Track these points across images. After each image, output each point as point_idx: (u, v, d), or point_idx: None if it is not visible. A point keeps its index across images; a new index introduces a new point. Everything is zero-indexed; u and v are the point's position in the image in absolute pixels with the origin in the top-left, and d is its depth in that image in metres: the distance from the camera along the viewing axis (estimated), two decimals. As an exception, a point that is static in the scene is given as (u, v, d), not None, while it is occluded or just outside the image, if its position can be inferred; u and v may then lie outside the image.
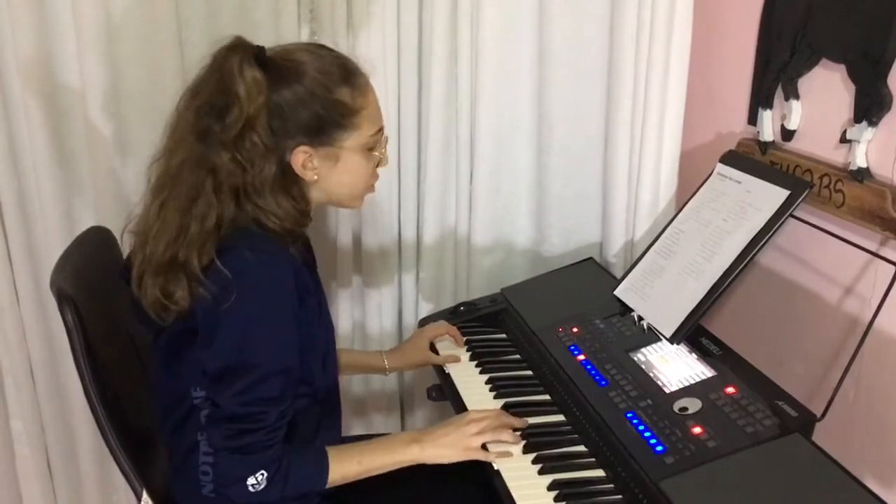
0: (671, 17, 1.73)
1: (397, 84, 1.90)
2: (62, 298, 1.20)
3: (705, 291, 1.50)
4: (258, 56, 1.21)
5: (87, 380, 1.23)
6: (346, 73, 1.27)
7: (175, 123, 1.24)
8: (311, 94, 1.23)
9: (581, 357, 1.55)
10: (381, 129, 1.33)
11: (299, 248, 1.30)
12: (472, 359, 1.68)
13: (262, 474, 1.20)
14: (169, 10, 1.78)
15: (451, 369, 1.65)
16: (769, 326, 1.65)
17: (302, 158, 1.26)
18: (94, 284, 1.29)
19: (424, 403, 2.19)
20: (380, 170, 1.38)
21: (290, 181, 1.26)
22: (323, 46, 1.34)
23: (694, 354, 1.47)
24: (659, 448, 1.26)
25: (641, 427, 1.32)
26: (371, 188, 1.38)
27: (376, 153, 1.33)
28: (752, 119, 1.67)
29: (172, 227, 1.19)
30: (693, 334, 1.50)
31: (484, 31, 1.85)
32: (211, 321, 1.19)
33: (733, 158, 1.67)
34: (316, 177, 1.28)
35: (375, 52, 1.84)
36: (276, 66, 1.22)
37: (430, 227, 2.00)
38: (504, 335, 1.77)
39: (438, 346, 1.74)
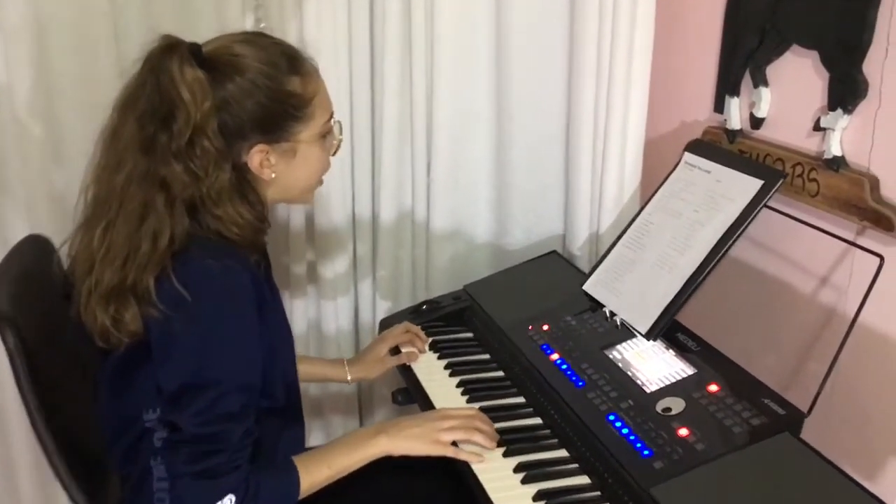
0: (634, 4, 1.68)
1: (349, 73, 1.82)
2: (1, 320, 1.08)
3: (680, 285, 1.46)
4: (195, 54, 1.12)
5: (31, 406, 1.12)
6: (293, 61, 1.20)
7: (113, 136, 1.14)
8: (259, 89, 1.15)
9: (555, 356, 1.50)
10: (332, 114, 1.26)
11: (258, 257, 1.22)
12: (439, 358, 1.61)
13: (230, 499, 1.12)
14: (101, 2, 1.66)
15: (418, 372, 1.58)
16: (740, 318, 1.63)
17: (259, 158, 1.18)
18: (34, 302, 1.18)
19: (385, 405, 2.11)
20: (332, 160, 1.31)
21: (246, 185, 1.18)
22: (262, 35, 1.25)
23: (671, 351, 1.43)
24: (646, 452, 1.21)
25: (625, 430, 1.27)
26: (321, 181, 1.31)
27: (329, 141, 1.27)
28: (719, 107, 1.64)
29: (121, 250, 1.10)
30: (669, 329, 1.46)
31: (439, 19, 1.78)
32: (165, 338, 1.10)
33: (700, 147, 1.63)
34: (274, 174, 1.20)
35: (326, 38, 1.75)
36: (216, 62, 1.13)
37: (386, 220, 1.92)
38: (471, 334, 1.71)
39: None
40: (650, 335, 1.46)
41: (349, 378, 1.64)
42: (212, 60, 1.13)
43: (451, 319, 1.76)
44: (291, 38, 1.72)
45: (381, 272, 1.98)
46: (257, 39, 1.20)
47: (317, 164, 1.26)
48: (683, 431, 1.23)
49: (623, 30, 1.70)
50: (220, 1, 1.73)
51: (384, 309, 2.01)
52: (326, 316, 1.99)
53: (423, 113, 1.85)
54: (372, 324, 2.03)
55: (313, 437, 2.04)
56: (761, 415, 1.22)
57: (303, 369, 1.48)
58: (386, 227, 1.93)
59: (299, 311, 1.97)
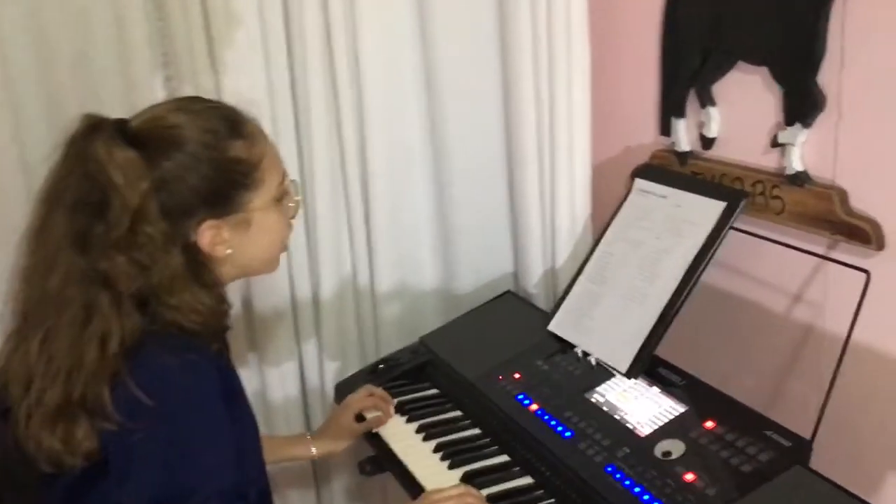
0: (568, 28, 1.64)
1: (272, 127, 1.70)
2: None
3: (655, 318, 1.41)
4: (123, 130, 1.00)
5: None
6: (233, 124, 1.08)
7: (41, 233, 1.00)
8: (200, 161, 1.03)
9: (534, 406, 1.42)
10: (284, 174, 1.15)
11: (219, 343, 1.09)
12: (408, 421, 1.51)
13: None
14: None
15: (390, 440, 1.46)
16: (712, 342, 1.58)
17: (210, 235, 1.06)
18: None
19: (342, 474, 1.98)
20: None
21: (200, 267, 1.06)
22: (195, 99, 1.16)
23: (655, 388, 1.37)
24: (656, 504, 1.14)
25: (628, 482, 1.19)
26: (285, 246, 1.20)
27: (288, 202, 1.16)
28: (665, 129, 1.60)
29: (64, 361, 0.95)
30: (649, 365, 1.40)
31: (363, 62, 1.69)
32: (126, 452, 0.96)
33: (651, 172, 1.60)
34: (229, 250, 1.08)
35: (245, 93, 1.63)
36: (148, 138, 1.02)
37: (326, 279, 1.80)
38: (436, 390, 1.61)
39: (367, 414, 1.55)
40: (631, 373, 1.40)
41: (314, 453, 1.51)
42: (142, 136, 1.01)
43: (413, 376, 1.66)
44: (206, 95, 1.60)
45: (324, 331, 1.86)
46: (190, 105, 1.09)
47: (276, 231, 1.14)
48: (689, 476, 1.16)
49: (559, 55, 1.65)
50: (126, 60, 1.59)
51: (333, 370, 1.88)
52: (272, 384, 1.85)
53: (355, 161, 1.75)
54: (320, 388, 1.90)
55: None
56: (767, 449, 1.16)
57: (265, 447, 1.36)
58: (327, 284, 1.81)
59: (242, 383, 1.82)
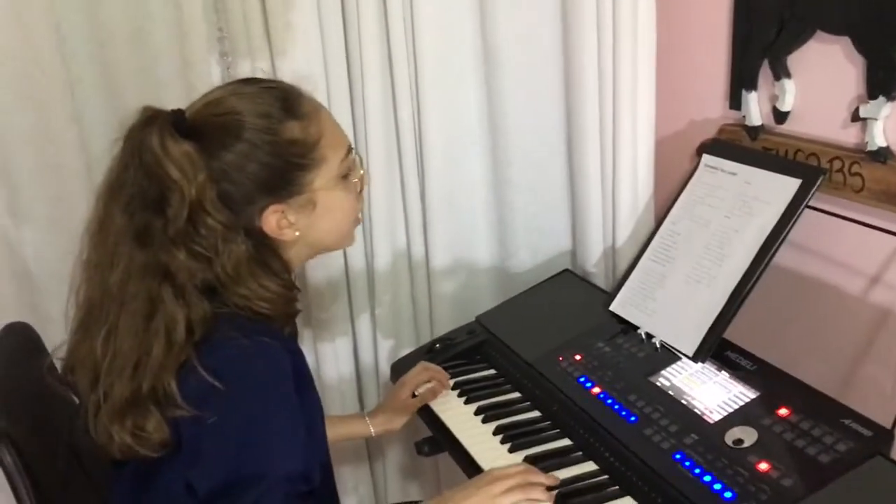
0: (634, 2, 1.57)
1: (327, 102, 1.67)
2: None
3: (724, 300, 1.36)
4: (178, 122, 0.98)
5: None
6: (287, 104, 1.05)
7: (100, 229, 0.99)
8: (257, 148, 1.01)
9: (596, 390, 1.38)
10: (349, 150, 1.12)
11: (291, 327, 1.07)
12: (466, 403, 1.48)
13: None
14: (50, 44, 1.49)
15: (449, 422, 1.44)
16: (783, 325, 1.52)
17: (275, 219, 1.04)
18: (27, 404, 1.02)
19: (395, 451, 1.98)
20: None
21: (267, 252, 1.05)
22: (249, 81, 1.11)
23: (724, 372, 1.32)
24: (728, 495, 1.10)
25: (698, 470, 1.15)
26: (358, 219, 1.18)
27: (353, 178, 1.13)
28: (735, 103, 1.53)
29: (129, 357, 0.95)
30: (716, 348, 1.35)
31: (420, 36, 1.65)
32: (198, 436, 0.95)
33: (719, 147, 1.53)
34: (297, 233, 1.07)
35: (301, 69, 1.61)
36: (203, 128, 1.00)
37: (381, 256, 1.79)
38: (493, 371, 1.58)
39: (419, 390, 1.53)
40: (698, 357, 1.35)
41: (373, 432, 1.50)
42: (198, 126, 1.00)
43: (469, 356, 1.63)
44: (260, 72, 1.58)
45: (378, 308, 1.84)
46: (244, 88, 1.06)
47: (344, 208, 1.12)
48: (763, 466, 1.12)
49: (623, 24, 1.58)
50: (182, 36, 1.57)
51: (387, 348, 1.87)
52: (326, 362, 1.84)
53: (411, 138, 1.72)
54: (374, 366, 1.89)
55: None
56: (846, 439, 1.11)
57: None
58: (381, 261, 1.79)
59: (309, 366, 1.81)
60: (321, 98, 1.66)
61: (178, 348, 0.94)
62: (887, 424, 1.12)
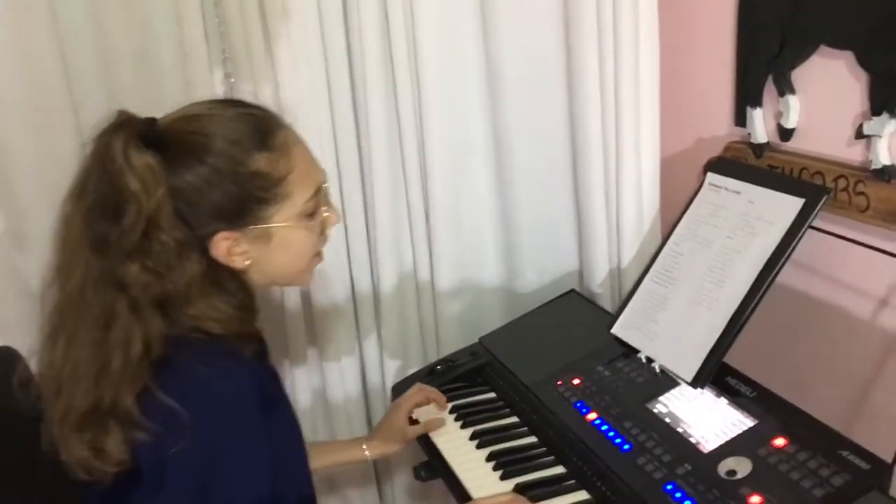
0: (636, 14, 1.54)
1: (329, 120, 1.67)
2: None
3: (724, 323, 1.31)
4: (147, 133, 0.97)
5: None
6: (260, 134, 1.03)
7: (63, 235, 0.99)
8: (220, 174, 0.99)
9: (592, 416, 1.35)
10: (318, 189, 1.09)
11: (254, 347, 1.06)
12: (463, 427, 1.45)
13: None
14: (55, 64, 1.51)
15: (442, 446, 1.42)
16: (786, 348, 1.47)
17: (226, 246, 1.02)
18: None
19: (403, 472, 1.95)
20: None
21: (223, 273, 1.03)
22: (231, 103, 1.10)
23: (723, 399, 1.28)
24: (716, 528, 1.06)
25: (688, 502, 1.11)
26: (319, 257, 1.15)
27: (317, 219, 1.10)
28: (740, 120, 1.49)
29: (89, 366, 0.94)
30: (717, 373, 1.31)
31: (423, 54, 1.63)
32: (160, 463, 0.94)
33: (724, 165, 1.49)
34: (248, 261, 1.05)
35: (304, 90, 1.61)
36: (172, 141, 0.99)
37: (386, 276, 1.77)
38: (493, 394, 1.55)
39: (417, 413, 1.51)
40: (697, 383, 1.31)
41: (367, 456, 1.48)
42: (167, 139, 0.99)
43: (470, 378, 1.61)
44: (265, 92, 1.58)
45: (385, 328, 1.82)
46: (221, 111, 1.04)
47: (300, 245, 1.09)
48: (755, 499, 1.07)
49: (626, 44, 1.55)
50: (184, 56, 1.58)
51: (394, 368, 1.85)
52: (332, 382, 1.83)
53: (415, 157, 1.70)
54: (381, 386, 1.87)
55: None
56: (842, 472, 1.06)
57: (316, 457, 1.33)
58: (387, 283, 1.77)
59: (302, 381, 1.81)
60: (323, 115, 1.66)
61: (136, 365, 0.93)
62: (891, 458, 1.07)
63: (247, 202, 1.01)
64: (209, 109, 1.04)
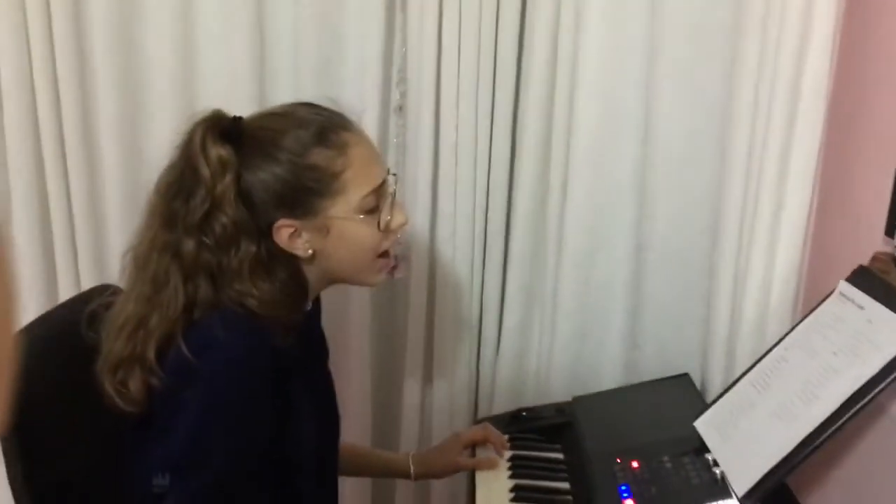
0: (794, 92, 1.43)
1: (487, 163, 1.74)
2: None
3: (795, 444, 1.17)
4: (229, 129, 1.10)
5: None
6: (323, 133, 1.12)
7: (147, 205, 1.15)
8: (279, 163, 1.10)
9: (628, 502, 1.27)
10: (378, 187, 1.16)
11: (290, 336, 1.13)
12: (510, 478, 1.43)
13: None
14: (252, 63, 1.71)
15: (480, 488, 1.41)
16: (874, 480, 1.27)
17: (286, 233, 1.12)
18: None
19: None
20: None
21: (276, 261, 1.13)
22: (306, 105, 1.19)
23: (769, 526, 1.14)
24: None
25: None
26: (387, 258, 1.21)
27: (375, 217, 1.16)
28: (890, 230, 1.32)
29: (133, 319, 1.09)
30: (774, 495, 1.17)
31: (579, 105, 1.63)
32: (168, 409, 1.07)
33: (862, 277, 1.32)
34: (311, 250, 1.14)
35: (467, 115, 1.67)
36: (248, 137, 1.11)
37: (512, 309, 1.79)
38: (561, 455, 1.51)
39: (478, 450, 1.51)
40: (747, 499, 1.18)
41: (412, 472, 1.50)
42: (245, 133, 1.12)
43: (548, 433, 1.57)
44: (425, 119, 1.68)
45: (500, 360, 1.83)
46: (297, 111, 1.16)
47: (358, 241, 1.16)
48: None
49: (777, 144, 1.47)
50: (362, 72, 1.72)
51: (503, 400, 1.84)
52: (440, 398, 1.87)
53: (557, 210, 1.70)
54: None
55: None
56: None
57: (360, 458, 1.42)
58: (513, 317, 1.79)
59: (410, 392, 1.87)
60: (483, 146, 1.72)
61: (171, 322, 1.06)
62: None
63: (301, 192, 1.11)
64: (287, 110, 1.16)
